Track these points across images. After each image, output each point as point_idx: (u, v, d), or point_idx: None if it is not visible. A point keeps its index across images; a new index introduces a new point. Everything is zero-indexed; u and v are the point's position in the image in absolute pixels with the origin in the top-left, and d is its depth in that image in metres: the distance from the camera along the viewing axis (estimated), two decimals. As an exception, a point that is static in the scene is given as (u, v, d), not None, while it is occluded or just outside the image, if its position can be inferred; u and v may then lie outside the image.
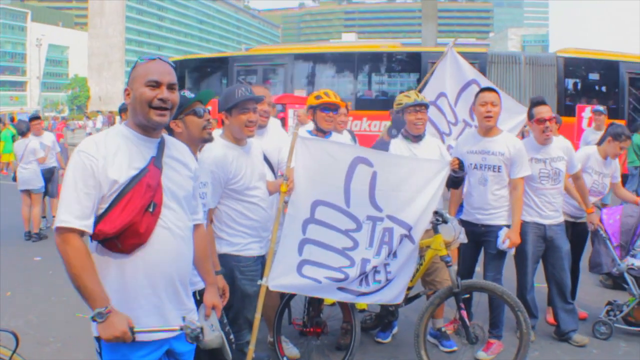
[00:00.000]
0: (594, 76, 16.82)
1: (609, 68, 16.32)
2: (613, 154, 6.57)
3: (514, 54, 18.57)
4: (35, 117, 12.04)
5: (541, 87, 16.88)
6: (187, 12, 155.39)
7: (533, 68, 16.84)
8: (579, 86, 17.23)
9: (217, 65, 21.64)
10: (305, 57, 20.99)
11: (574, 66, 16.62)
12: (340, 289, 4.73)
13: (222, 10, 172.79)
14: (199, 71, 22.07)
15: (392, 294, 4.98)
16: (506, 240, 5.42)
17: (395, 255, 4.80)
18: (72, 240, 2.63)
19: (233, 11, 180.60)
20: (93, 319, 2.58)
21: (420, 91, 6.34)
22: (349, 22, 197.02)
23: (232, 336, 3.93)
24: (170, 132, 3.77)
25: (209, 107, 3.92)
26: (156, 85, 2.82)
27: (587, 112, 13.49)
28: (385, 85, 20.63)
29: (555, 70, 16.29)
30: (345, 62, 20.00)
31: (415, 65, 18.85)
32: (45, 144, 11.34)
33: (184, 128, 3.74)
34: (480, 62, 17.00)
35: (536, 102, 6.09)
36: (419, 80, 15.94)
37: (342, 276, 4.63)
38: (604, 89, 16.45)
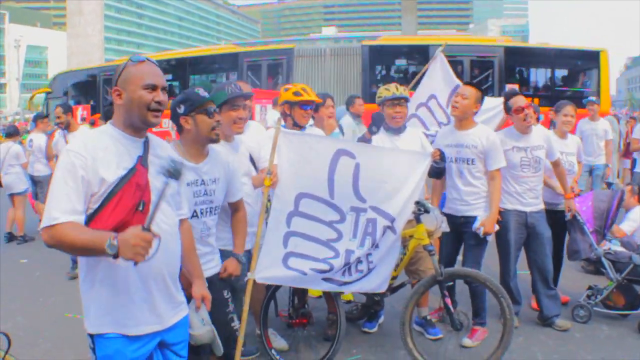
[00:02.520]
0: (400, 62, 17.17)
1: (418, 52, 16.86)
2: (561, 127, 6.72)
3: (320, 47, 18.91)
4: (40, 116, 12.04)
5: (346, 77, 17.14)
6: (166, 9, 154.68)
7: (338, 59, 17.21)
8: (384, 73, 17.67)
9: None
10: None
11: (378, 54, 16.94)
12: (325, 279, 4.81)
13: (202, 6, 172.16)
14: None
15: (375, 283, 5.06)
16: (480, 228, 5.53)
17: (377, 245, 4.87)
18: (63, 227, 2.64)
19: (212, 7, 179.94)
20: (114, 257, 2.57)
21: (412, 90, 6.42)
22: (329, 15, 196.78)
23: (237, 322, 3.98)
24: (180, 127, 3.85)
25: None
26: (153, 88, 2.89)
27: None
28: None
29: (360, 60, 16.64)
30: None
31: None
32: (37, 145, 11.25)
33: (194, 126, 3.79)
34: (287, 57, 17.36)
35: (510, 94, 6.21)
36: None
37: (327, 267, 4.70)
38: (411, 71, 16.85)
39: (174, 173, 2.70)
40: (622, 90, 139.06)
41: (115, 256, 2.57)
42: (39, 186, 11.18)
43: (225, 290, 4.04)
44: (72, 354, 5.54)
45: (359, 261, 4.86)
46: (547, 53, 16.15)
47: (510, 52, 16.03)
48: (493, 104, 7.18)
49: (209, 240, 3.92)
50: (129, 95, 2.87)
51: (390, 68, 17.44)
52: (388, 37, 19.85)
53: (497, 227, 5.68)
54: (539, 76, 15.99)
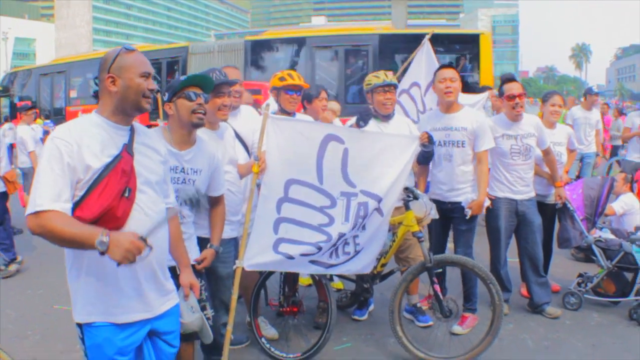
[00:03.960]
0: (280, 54, 17.46)
1: (296, 44, 17.13)
2: (548, 117, 6.69)
3: (210, 44, 19.62)
4: (25, 108, 11.97)
5: None
6: (155, 0, 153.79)
7: (225, 54, 17.64)
8: (266, 66, 18.00)
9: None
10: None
11: (260, 48, 17.31)
12: (312, 262, 4.81)
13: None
14: None
15: (361, 265, 5.08)
16: (468, 211, 5.53)
17: (364, 227, 4.87)
18: (49, 215, 2.62)
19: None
20: (101, 253, 2.57)
21: (398, 80, 6.40)
22: (319, 5, 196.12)
23: (211, 311, 3.96)
24: (166, 115, 3.89)
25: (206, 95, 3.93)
26: (147, 76, 2.94)
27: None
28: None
29: (243, 54, 17.03)
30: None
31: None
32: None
33: (175, 111, 3.80)
34: (182, 55, 17.87)
35: (506, 79, 6.20)
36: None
37: (316, 250, 4.70)
38: (291, 64, 17.18)
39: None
40: (612, 81, 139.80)
41: (103, 253, 2.56)
42: (24, 178, 11.08)
43: (199, 278, 4.02)
44: (61, 346, 5.50)
45: (345, 243, 4.87)
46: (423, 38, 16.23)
47: (385, 39, 16.14)
48: (474, 100, 7.21)
49: (184, 227, 3.88)
50: (126, 83, 2.89)
51: (271, 61, 17.75)
52: (270, 32, 20.44)
53: (488, 203, 5.71)
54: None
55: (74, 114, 18.23)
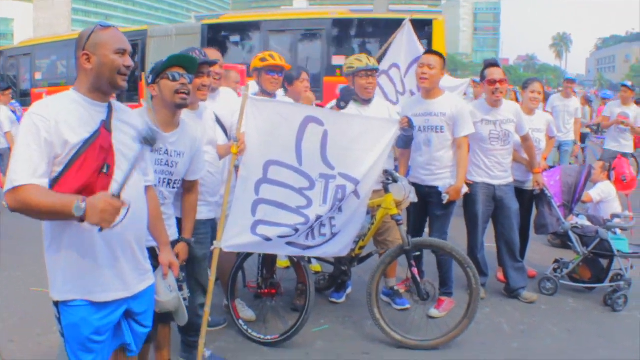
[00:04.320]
0: (235, 37, 17.66)
1: (251, 28, 17.33)
2: (528, 104, 6.73)
3: (168, 27, 19.77)
4: (4, 87, 11.83)
5: None
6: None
7: (183, 38, 17.65)
8: (222, 49, 18.15)
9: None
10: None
11: (215, 32, 17.44)
12: (288, 243, 4.81)
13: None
14: None
15: (338, 247, 5.09)
16: (445, 196, 5.55)
17: (340, 209, 4.88)
18: (26, 189, 2.60)
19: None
20: (80, 220, 2.56)
21: (378, 61, 6.39)
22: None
23: (187, 292, 3.95)
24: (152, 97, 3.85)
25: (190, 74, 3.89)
26: (123, 53, 2.91)
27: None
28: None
29: (199, 37, 17.14)
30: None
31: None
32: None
33: (159, 92, 3.78)
34: (142, 39, 17.87)
35: (488, 64, 6.22)
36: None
37: (293, 232, 4.71)
38: (247, 47, 17.34)
39: (149, 140, 2.70)
40: (592, 71, 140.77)
41: (82, 220, 2.55)
42: (1, 160, 10.97)
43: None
44: (39, 329, 5.45)
45: (321, 225, 4.87)
46: (378, 23, 16.35)
47: (339, 23, 16.21)
48: (454, 84, 7.23)
49: (164, 209, 3.85)
50: (100, 60, 2.86)
51: (227, 44, 17.83)
52: (227, 16, 20.61)
53: (465, 189, 5.73)
54: (370, 46, 16.15)
55: (38, 95, 18.17)
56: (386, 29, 14.44)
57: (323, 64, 15.58)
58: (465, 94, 8.74)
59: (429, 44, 14.72)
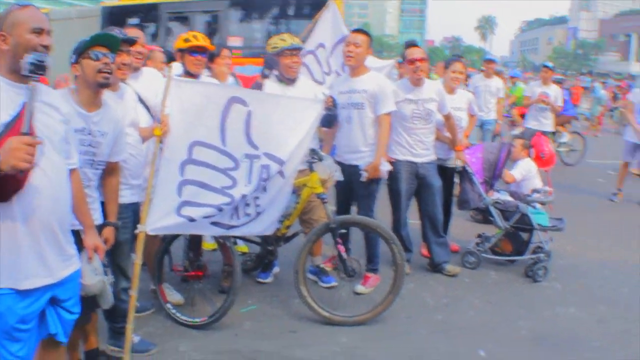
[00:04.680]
0: (134, 20, 18.07)
1: (150, 11, 17.23)
2: (449, 83, 6.85)
3: (69, 10, 19.88)
4: None
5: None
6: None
7: (83, 21, 17.62)
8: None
9: None
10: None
11: (115, 14, 17.20)
12: (213, 223, 4.79)
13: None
14: None
15: (262, 226, 5.11)
16: (364, 173, 5.61)
17: (265, 189, 4.90)
18: None
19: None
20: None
21: (303, 41, 6.39)
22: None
23: (112, 276, 3.89)
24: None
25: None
26: (40, 32, 2.83)
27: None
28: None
29: (100, 20, 17.04)
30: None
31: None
32: None
33: (81, 71, 3.69)
34: None
35: (408, 45, 6.32)
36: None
37: (218, 212, 4.70)
38: (145, 30, 17.75)
39: (39, 66, 2.67)
40: (516, 52, 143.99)
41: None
42: None
43: None
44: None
45: (246, 204, 4.87)
46: (274, 2, 16.63)
47: (235, 5, 16.40)
48: (380, 65, 7.30)
49: (88, 191, 3.79)
50: (16, 40, 2.79)
51: (125, 26, 17.85)
52: None
53: (388, 167, 5.77)
54: (266, 27, 16.39)
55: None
56: (283, 8, 14.53)
57: (220, 46, 15.53)
58: (390, 75, 8.82)
59: None
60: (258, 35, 15.45)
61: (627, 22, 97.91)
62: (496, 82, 11.64)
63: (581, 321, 5.59)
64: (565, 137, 14.48)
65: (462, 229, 7.55)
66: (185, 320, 5.12)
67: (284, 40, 5.57)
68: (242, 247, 6.55)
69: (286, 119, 4.91)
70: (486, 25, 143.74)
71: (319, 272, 6.03)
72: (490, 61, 12.18)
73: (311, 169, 5.26)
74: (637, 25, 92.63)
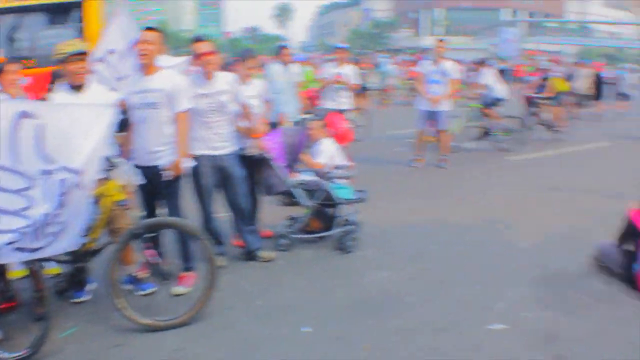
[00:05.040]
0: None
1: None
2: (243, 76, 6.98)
3: None
4: None
5: None
6: None
7: None
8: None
9: None
10: None
11: None
12: (17, 249, 4.57)
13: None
14: None
15: (65, 243, 4.94)
16: (167, 173, 5.63)
17: (64, 204, 4.74)
18: None
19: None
20: None
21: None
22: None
23: None
24: None
25: None
26: None
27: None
28: None
29: None
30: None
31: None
32: None
33: None
34: None
35: (194, 40, 6.36)
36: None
37: (19, 237, 4.50)
38: None
39: None
40: (315, 37, 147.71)
41: None
42: None
43: None
44: None
45: (47, 223, 4.70)
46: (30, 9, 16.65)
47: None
48: (173, 62, 7.29)
49: None
50: None
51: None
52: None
53: (190, 163, 5.82)
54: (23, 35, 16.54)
55: None
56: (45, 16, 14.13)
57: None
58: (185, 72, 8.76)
59: (81, 29, 14.48)
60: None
61: (418, 0, 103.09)
62: (293, 68, 11.96)
63: (394, 282, 6.01)
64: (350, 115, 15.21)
65: (273, 214, 7.73)
66: (8, 358, 4.86)
67: (70, 45, 5.40)
68: (55, 268, 6.28)
69: (77, 127, 4.75)
70: (282, 13, 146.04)
71: (134, 280, 5.94)
72: (284, 47, 12.48)
73: (107, 177, 5.16)
74: (428, 2, 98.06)
